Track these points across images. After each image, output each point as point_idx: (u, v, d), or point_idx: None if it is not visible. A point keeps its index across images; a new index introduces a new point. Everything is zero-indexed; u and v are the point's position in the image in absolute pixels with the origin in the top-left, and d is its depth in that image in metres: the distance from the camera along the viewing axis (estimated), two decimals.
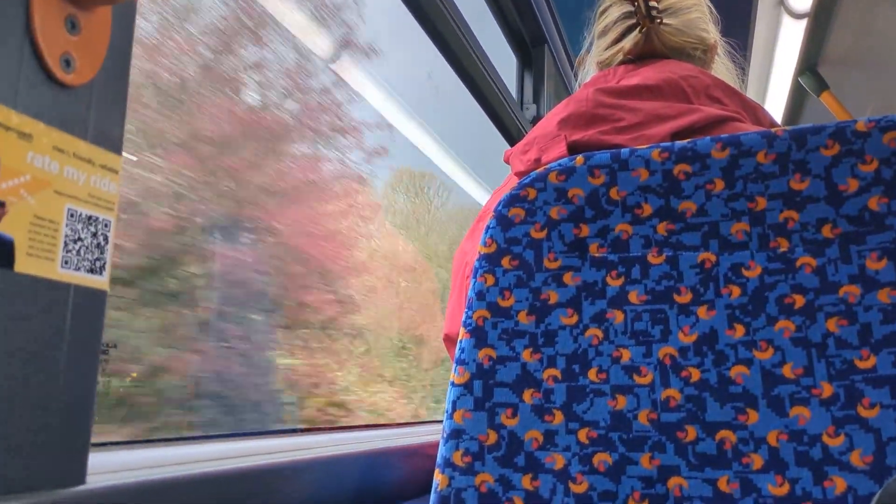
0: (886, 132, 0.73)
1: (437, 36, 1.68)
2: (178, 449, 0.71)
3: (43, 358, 0.42)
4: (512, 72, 2.35)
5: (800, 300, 0.72)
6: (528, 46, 2.29)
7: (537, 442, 0.76)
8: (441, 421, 0.81)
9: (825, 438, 0.68)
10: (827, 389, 0.69)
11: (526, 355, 0.78)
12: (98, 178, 0.44)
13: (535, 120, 2.22)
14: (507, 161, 1.09)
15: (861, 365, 0.69)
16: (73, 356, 0.44)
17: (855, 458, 0.67)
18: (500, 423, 0.77)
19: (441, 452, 0.78)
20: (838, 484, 0.67)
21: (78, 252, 0.43)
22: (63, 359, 0.43)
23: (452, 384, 0.80)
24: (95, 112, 0.45)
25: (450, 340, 1.06)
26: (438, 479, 0.77)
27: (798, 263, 0.73)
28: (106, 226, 0.45)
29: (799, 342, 0.71)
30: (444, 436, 0.79)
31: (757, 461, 0.69)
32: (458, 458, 0.77)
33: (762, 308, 0.73)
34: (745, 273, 0.74)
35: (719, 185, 0.77)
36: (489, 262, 0.82)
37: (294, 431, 0.96)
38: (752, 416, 0.71)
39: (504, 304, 0.81)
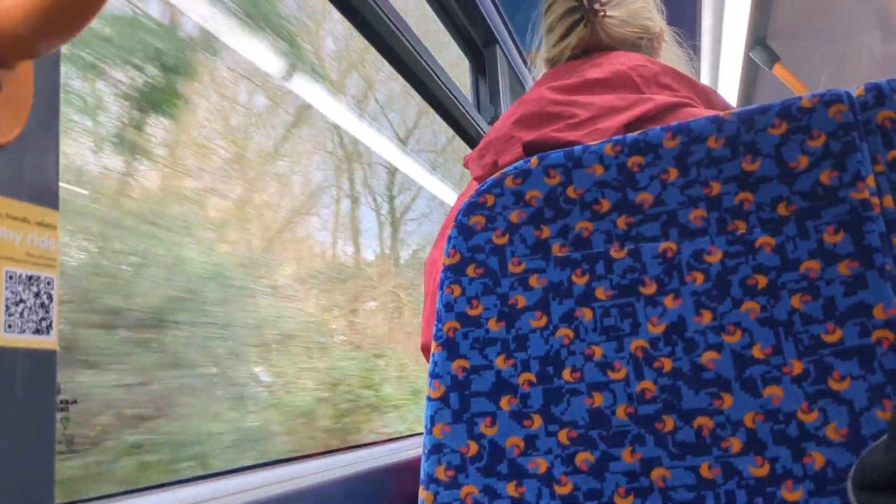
0: (831, 106, 0.74)
1: (383, 47, 1.67)
2: (147, 498, 0.70)
3: None
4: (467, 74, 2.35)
5: (762, 280, 0.73)
6: (478, 48, 2.29)
7: (518, 448, 0.76)
8: (422, 435, 0.80)
9: (800, 415, 0.69)
10: (797, 366, 0.70)
11: (499, 362, 0.78)
12: (35, 236, 0.43)
13: (494, 121, 2.22)
14: (466, 166, 1.09)
15: (828, 339, 0.69)
16: (26, 420, 0.43)
17: (830, 432, 0.67)
18: (480, 433, 0.77)
19: (423, 468, 0.78)
20: (817, 459, 0.67)
21: (21, 314, 0.42)
22: (17, 423, 0.42)
23: (429, 399, 0.79)
24: (26, 169, 0.44)
25: (427, 350, 1.06)
26: (423, 496, 0.77)
27: (757, 244, 0.73)
28: (49, 284, 0.44)
29: (765, 322, 0.72)
30: (426, 451, 0.78)
31: (735, 444, 0.70)
32: (440, 473, 0.77)
33: (727, 292, 0.73)
34: (707, 258, 0.75)
35: (673, 173, 0.77)
36: (454, 272, 0.82)
37: (275, 463, 0.95)
38: (727, 400, 0.71)
39: (473, 313, 0.80)
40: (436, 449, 0.78)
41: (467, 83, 2.34)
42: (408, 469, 1.02)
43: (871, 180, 0.72)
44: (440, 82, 1.84)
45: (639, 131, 0.81)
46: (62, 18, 0.42)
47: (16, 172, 0.43)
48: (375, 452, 1.09)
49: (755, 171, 0.75)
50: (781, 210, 0.73)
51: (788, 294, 0.71)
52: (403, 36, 1.61)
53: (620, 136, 0.81)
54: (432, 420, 0.79)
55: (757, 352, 0.71)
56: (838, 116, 0.73)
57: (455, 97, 1.92)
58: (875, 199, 0.71)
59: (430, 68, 1.77)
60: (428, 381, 0.80)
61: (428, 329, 1.04)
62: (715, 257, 0.74)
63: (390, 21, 1.56)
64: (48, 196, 0.45)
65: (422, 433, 0.81)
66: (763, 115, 0.76)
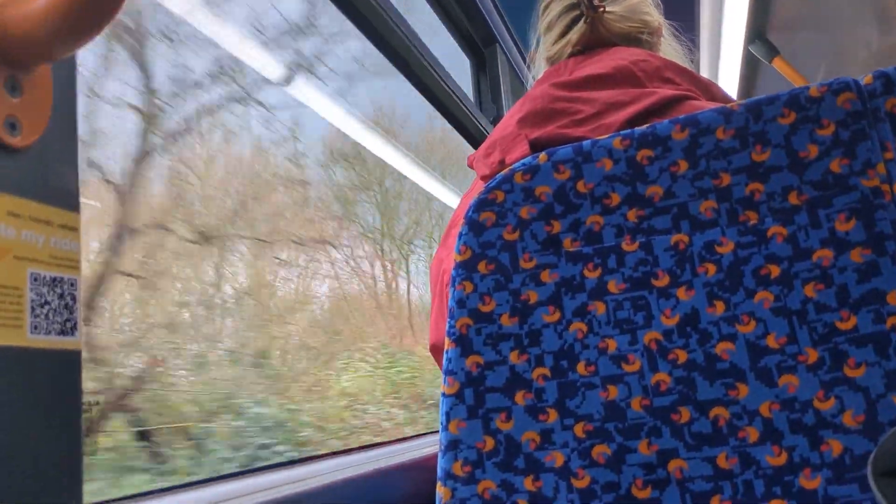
0: (839, 94, 0.74)
1: (386, 48, 1.68)
2: (162, 500, 0.70)
3: (23, 426, 0.41)
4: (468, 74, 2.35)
5: (775, 270, 0.73)
6: (479, 47, 2.30)
7: (535, 442, 0.76)
8: (438, 432, 0.81)
9: (816, 403, 0.69)
10: (812, 355, 0.70)
11: (513, 357, 0.78)
12: (58, 238, 0.43)
13: (497, 120, 2.22)
14: (470, 166, 1.09)
15: (842, 326, 0.70)
16: (53, 420, 0.43)
17: (847, 419, 0.68)
18: (496, 428, 0.77)
19: (440, 465, 0.78)
20: (834, 447, 0.67)
21: (46, 316, 0.43)
22: (44, 424, 0.42)
23: (444, 395, 0.80)
24: (48, 172, 0.44)
25: (436, 350, 1.06)
26: (441, 492, 0.77)
27: (769, 234, 0.74)
28: (72, 285, 0.44)
29: (779, 311, 0.72)
30: (442, 448, 0.78)
31: (752, 434, 0.70)
32: (458, 469, 0.77)
33: (739, 282, 0.73)
34: (719, 250, 0.75)
35: (683, 165, 0.78)
36: (466, 268, 0.82)
37: (290, 464, 0.95)
38: (743, 390, 0.71)
39: (485, 309, 0.81)
40: (452, 445, 0.78)
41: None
42: (424, 466, 1.02)
43: (881, 167, 0.72)
44: (442, 82, 1.84)
45: (645, 125, 0.81)
46: (79, 21, 0.42)
47: (38, 175, 0.43)
48: (391, 451, 1.10)
49: (765, 161, 0.75)
50: (792, 199, 0.74)
51: (801, 283, 0.72)
52: (405, 36, 1.62)
53: (629, 130, 0.81)
54: (448, 416, 0.79)
55: (771, 341, 0.71)
56: (847, 105, 0.74)
57: (457, 97, 1.92)
58: (886, 187, 0.71)
59: (432, 68, 1.77)
60: (442, 378, 0.81)
61: (436, 329, 1.04)
62: (727, 248, 0.75)
63: (392, 21, 1.56)
64: (69, 198, 0.45)
65: (436, 431, 0.81)
66: (771, 105, 0.76)
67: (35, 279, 0.42)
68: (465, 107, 1.98)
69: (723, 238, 0.75)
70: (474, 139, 2.16)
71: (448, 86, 1.87)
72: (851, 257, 0.71)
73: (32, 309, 0.41)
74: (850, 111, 0.73)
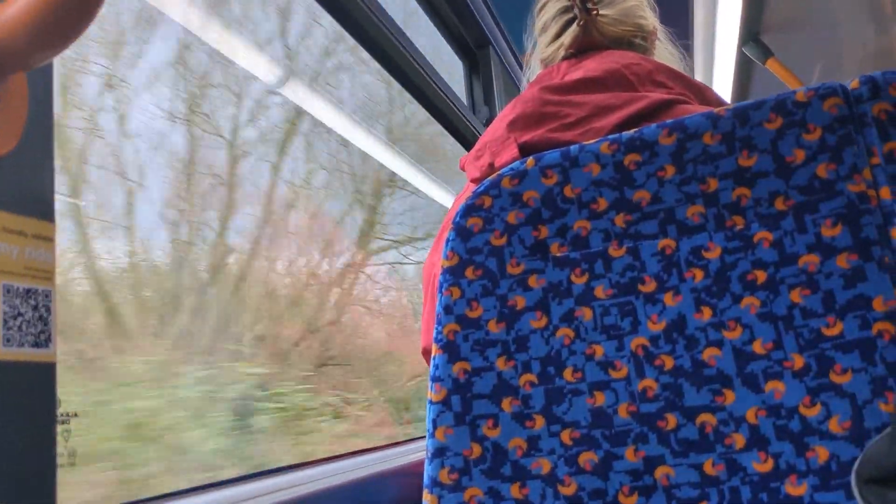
0: (826, 99, 0.74)
1: (376, 50, 1.67)
2: None
3: None
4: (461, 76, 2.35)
5: (761, 275, 0.72)
6: (472, 50, 2.30)
7: (521, 449, 0.75)
8: (425, 438, 0.80)
9: (802, 409, 0.69)
10: (798, 361, 0.70)
11: (500, 364, 0.78)
12: (32, 249, 0.43)
13: (489, 122, 2.21)
14: (462, 168, 1.09)
15: (828, 332, 0.69)
16: (27, 433, 0.43)
17: (833, 426, 0.67)
18: (483, 435, 0.77)
19: (427, 472, 0.77)
20: (820, 453, 0.67)
21: (20, 328, 0.42)
22: (18, 437, 0.42)
23: (430, 402, 0.79)
24: (22, 182, 0.44)
25: (428, 354, 1.06)
26: (427, 499, 0.76)
27: (756, 239, 0.73)
28: (46, 297, 0.44)
29: (766, 317, 0.71)
30: (429, 455, 0.78)
31: (739, 440, 0.70)
32: (444, 476, 0.76)
33: (726, 288, 0.73)
34: (706, 255, 0.75)
35: (670, 170, 0.77)
36: (453, 274, 0.82)
37: (275, 472, 0.95)
38: (729, 397, 0.71)
39: (472, 314, 0.80)
40: (439, 452, 0.77)
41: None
42: (411, 473, 1.02)
43: (867, 173, 0.72)
44: (434, 84, 1.84)
45: (634, 129, 0.81)
46: (54, 30, 0.42)
47: (12, 185, 0.43)
48: (379, 457, 1.09)
49: (752, 166, 0.75)
50: (779, 205, 0.73)
51: (788, 288, 0.71)
52: (396, 38, 1.61)
53: (616, 135, 0.81)
54: (434, 423, 0.78)
55: (758, 347, 0.71)
56: (833, 110, 0.73)
57: (449, 99, 1.92)
58: (872, 192, 0.71)
59: (424, 70, 1.77)
60: (429, 385, 0.80)
61: (427, 333, 1.04)
62: (714, 253, 0.74)
63: (382, 24, 1.56)
64: (45, 208, 0.45)
65: (423, 437, 0.81)
66: (758, 110, 0.76)
67: (8, 291, 0.41)
68: (458, 109, 1.98)
69: (710, 243, 0.75)
70: (467, 142, 2.16)
71: (440, 87, 1.86)
72: (837, 263, 0.70)
73: (5, 321, 0.41)
74: (836, 116, 0.73)
